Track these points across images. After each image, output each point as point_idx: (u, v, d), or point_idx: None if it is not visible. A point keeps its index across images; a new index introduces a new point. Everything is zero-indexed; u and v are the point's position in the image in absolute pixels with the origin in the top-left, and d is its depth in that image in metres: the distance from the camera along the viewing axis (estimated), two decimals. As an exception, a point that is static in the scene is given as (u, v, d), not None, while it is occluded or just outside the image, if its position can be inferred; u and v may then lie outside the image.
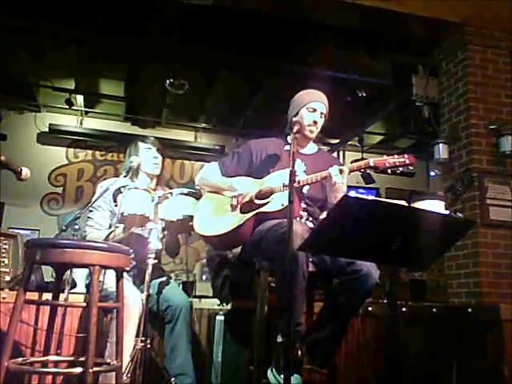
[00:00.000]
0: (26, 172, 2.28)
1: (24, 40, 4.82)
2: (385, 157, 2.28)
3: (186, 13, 4.10)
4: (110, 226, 2.54)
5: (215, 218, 2.45)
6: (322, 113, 2.49)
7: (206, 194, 2.58)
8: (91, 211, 2.63)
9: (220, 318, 2.79)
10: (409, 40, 4.39)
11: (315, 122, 2.47)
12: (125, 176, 2.57)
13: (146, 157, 2.76)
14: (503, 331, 3.12)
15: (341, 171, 2.25)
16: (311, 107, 2.47)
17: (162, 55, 5.05)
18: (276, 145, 2.58)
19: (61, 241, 1.93)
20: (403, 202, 1.76)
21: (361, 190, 6.48)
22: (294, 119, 2.49)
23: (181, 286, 3.71)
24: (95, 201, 2.50)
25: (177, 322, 2.48)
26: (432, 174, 7.08)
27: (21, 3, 4.10)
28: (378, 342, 2.92)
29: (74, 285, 2.56)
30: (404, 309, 3.13)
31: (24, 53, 5.08)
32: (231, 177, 2.51)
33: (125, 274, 2.11)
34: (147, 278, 2.22)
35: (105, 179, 2.88)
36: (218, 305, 2.87)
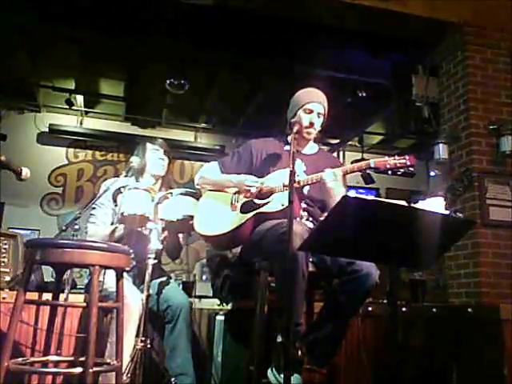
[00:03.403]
0: (25, 172, 2.28)
1: (24, 40, 4.82)
2: (386, 158, 2.26)
3: (186, 13, 4.10)
4: (112, 224, 2.56)
5: (215, 217, 2.45)
6: (319, 113, 2.47)
7: (206, 193, 2.57)
8: (94, 208, 2.64)
9: (220, 318, 2.79)
10: (409, 40, 4.39)
11: (312, 124, 2.46)
12: (125, 176, 2.57)
13: (153, 158, 2.76)
14: (503, 331, 3.11)
15: (334, 175, 2.24)
16: (308, 108, 2.45)
17: (162, 55, 5.05)
18: (276, 145, 2.57)
19: (61, 241, 1.93)
20: (403, 202, 1.76)
21: (361, 190, 6.47)
22: (293, 120, 2.49)
23: (181, 286, 3.70)
24: (97, 199, 2.51)
25: (177, 322, 2.48)
26: (432, 173, 7.07)
27: (21, 3, 4.10)
28: (377, 342, 2.92)
29: (74, 285, 2.56)
30: (404, 309, 3.13)
31: (24, 53, 5.09)
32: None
33: (125, 274, 2.11)
34: (147, 278, 2.22)
35: (106, 179, 2.88)
36: (218, 305, 2.87)
